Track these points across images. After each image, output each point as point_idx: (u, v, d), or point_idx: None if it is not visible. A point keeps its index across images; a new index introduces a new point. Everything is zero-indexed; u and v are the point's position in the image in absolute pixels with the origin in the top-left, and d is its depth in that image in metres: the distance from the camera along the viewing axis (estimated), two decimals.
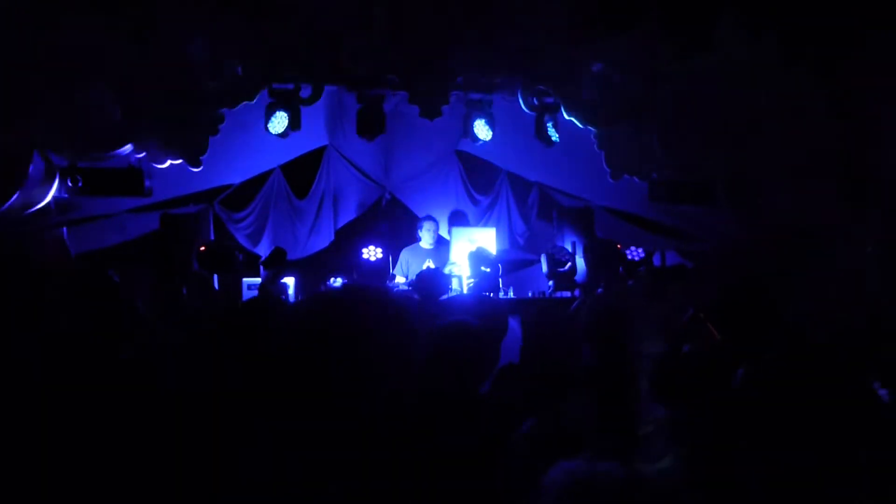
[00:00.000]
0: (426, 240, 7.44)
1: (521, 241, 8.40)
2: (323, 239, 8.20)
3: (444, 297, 5.48)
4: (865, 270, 5.65)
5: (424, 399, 2.30)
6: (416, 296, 5.43)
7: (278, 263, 5.19)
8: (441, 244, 7.61)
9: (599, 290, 6.43)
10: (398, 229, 8.32)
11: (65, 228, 5.66)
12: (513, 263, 8.09)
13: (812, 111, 6.21)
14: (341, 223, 8.36)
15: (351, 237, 8.21)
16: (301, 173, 8.13)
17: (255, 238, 7.87)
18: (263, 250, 7.70)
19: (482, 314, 4.11)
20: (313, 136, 7.67)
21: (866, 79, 6.03)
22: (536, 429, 1.28)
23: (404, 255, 7.41)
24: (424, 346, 2.69)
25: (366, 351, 1.63)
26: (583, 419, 2.66)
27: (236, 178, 7.78)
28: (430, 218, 7.62)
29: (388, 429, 1.78)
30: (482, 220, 8.44)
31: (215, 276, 6.11)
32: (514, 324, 5.89)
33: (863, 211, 5.85)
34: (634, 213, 7.56)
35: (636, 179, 6.42)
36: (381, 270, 6.30)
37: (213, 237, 7.56)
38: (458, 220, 8.35)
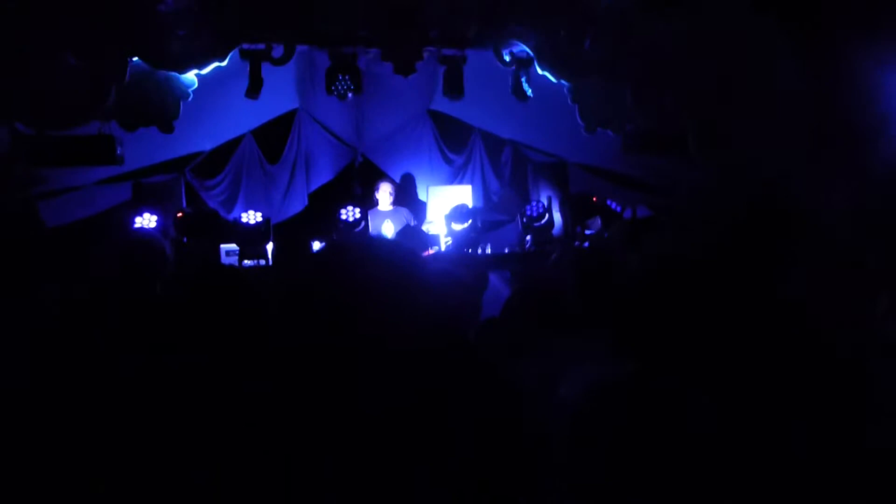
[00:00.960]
0: (383, 202, 7.38)
1: (494, 198, 8.44)
2: (297, 203, 8.16)
3: (425, 253, 5.52)
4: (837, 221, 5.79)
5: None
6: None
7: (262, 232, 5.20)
8: (399, 204, 7.55)
9: (577, 243, 6.53)
10: (371, 191, 8.30)
11: (38, 202, 5.55)
12: (487, 223, 8.14)
13: (782, 59, 6.30)
14: (314, 186, 8.31)
15: (325, 200, 8.17)
16: (272, 138, 8.04)
17: (229, 205, 7.80)
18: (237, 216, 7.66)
19: (462, 269, 4.15)
20: (284, 100, 7.59)
21: (836, 25, 6.12)
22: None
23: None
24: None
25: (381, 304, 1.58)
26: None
27: (207, 145, 7.67)
28: (384, 180, 7.59)
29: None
30: (456, 179, 8.46)
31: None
32: (492, 279, 5.96)
33: (833, 158, 5.97)
34: (608, 167, 7.63)
35: (609, 132, 6.47)
36: (360, 231, 6.31)
37: (185, 205, 7.48)
38: (414, 180, 8.35)
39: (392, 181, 7.65)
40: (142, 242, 2.94)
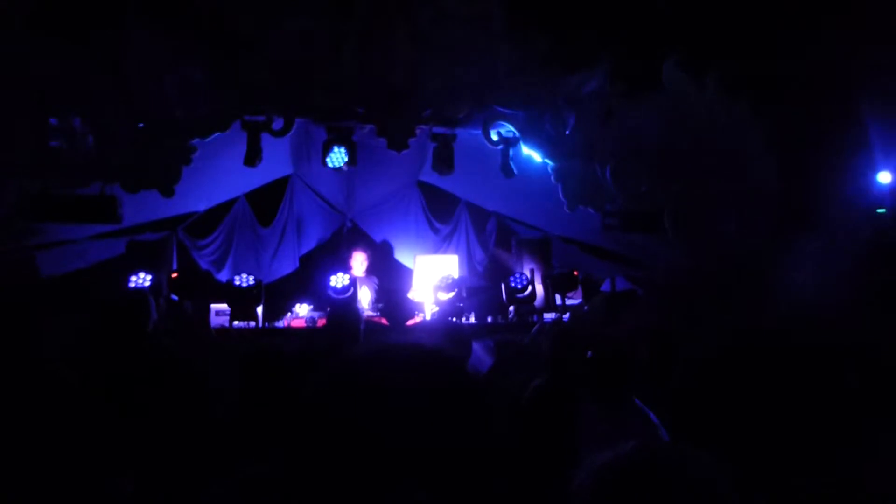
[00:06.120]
0: (357, 269, 7.48)
1: (479, 268, 8.67)
2: (286, 265, 8.33)
3: (411, 322, 5.70)
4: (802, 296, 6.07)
5: None
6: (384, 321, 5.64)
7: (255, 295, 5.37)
8: (374, 270, 7.70)
9: (556, 315, 6.74)
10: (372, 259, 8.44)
11: (35, 253, 5.69)
12: (472, 290, 8.33)
13: (751, 145, 6.70)
14: (304, 250, 8.51)
15: (314, 264, 8.35)
16: (265, 201, 8.27)
17: (219, 265, 7.96)
18: (226, 277, 7.80)
19: (448, 338, 4.36)
20: (278, 166, 7.84)
21: (802, 113, 6.55)
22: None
23: None
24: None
25: None
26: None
27: (201, 206, 7.87)
28: (358, 248, 7.73)
29: None
30: (442, 247, 8.70)
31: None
32: (476, 348, 6.13)
33: (798, 238, 6.30)
34: (589, 242, 7.92)
35: (590, 210, 6.78)
36: (349, 297, 6.49)
37: (175, 264, 7.63)
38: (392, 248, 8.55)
39: (365, 249, 7.78)
40: (127, 301, 3.12)
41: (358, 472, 1.14)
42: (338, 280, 6.29)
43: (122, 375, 2.57)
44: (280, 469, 1.30)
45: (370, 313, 6.65)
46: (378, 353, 1.32)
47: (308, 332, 6.13)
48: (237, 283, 5.96)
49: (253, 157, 6.02)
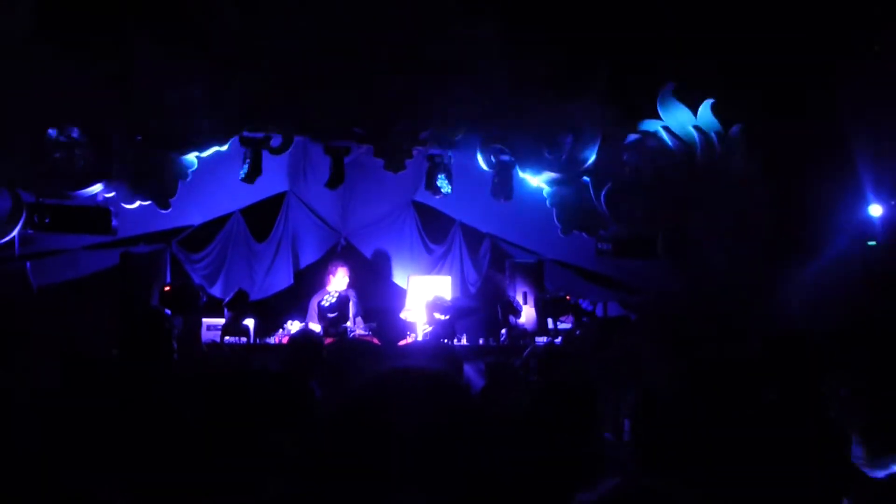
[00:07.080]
0: (337, 284, 7.40)
1: (472, 289, 8.67)
2: (280, 281, 8.30)
3: (403, 342, 5.70)
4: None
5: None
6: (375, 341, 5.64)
7: (241, 305, 5.34)
8: (352, 288, 7.58)
9: (548, 339, 6.74)
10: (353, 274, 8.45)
11: (28, 262, 5.69)
12: (464, 311, 8.32)
13: (745, 174, 6.77)
14: (300, 266, 8.49)
15: (307, 281, 8.33)
16: (260, 217, 8.26)
17: (212, 279, 7.93)
18: (218, 291, 7.78)
19: (439, 360, 4.35)
20: (274, 182, 7.85)
21: (797, 144, 6.63)
22: None
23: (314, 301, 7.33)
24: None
25: None
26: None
27: (196, 220, 7.87)
28: (341, 263, 7.69)
29: None
30: (435, 268, 8.70)
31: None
32: (467, 370, 6.12)
33: (788, 268, 6.35)
34: (582, 266, 7.94)
35: (584, 235, 6.81)
36: (339, 315, 6.48)
37: (168, 277, 7.60)
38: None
39: (346, 265, 7.72)
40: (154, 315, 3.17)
41: (365, 487, 1.23)
42: (327, 299, 6.29)
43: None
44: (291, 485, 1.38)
45: (361, 332, 6.65)
46: (386, 378, 1.41)
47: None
48: (229, 297, 5.97)
49: (251, 174, 6.05)
